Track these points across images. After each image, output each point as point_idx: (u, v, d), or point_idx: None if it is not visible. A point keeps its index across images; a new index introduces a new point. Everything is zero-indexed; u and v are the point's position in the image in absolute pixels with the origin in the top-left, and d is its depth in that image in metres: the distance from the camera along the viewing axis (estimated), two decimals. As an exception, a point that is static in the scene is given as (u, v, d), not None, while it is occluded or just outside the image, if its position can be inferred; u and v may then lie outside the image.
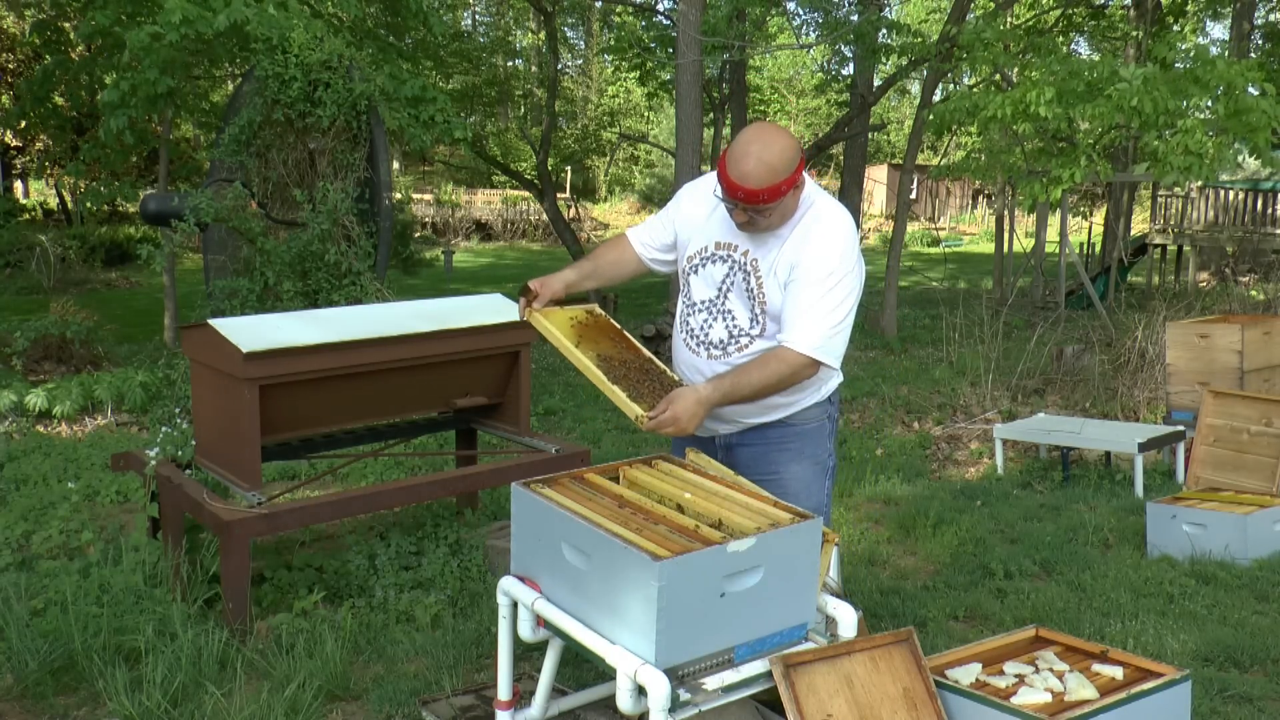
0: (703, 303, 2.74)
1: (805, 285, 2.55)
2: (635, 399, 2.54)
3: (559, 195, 20.61)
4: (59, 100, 12.44)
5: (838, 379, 2.79)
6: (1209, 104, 8.43)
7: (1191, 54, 9.06)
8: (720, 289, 2.70)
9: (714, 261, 2.71)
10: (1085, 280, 13.89)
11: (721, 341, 2.70)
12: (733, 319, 2.68)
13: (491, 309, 4.24)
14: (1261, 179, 16.94)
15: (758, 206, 2.51)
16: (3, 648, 3.25)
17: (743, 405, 2.62)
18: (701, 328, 2.73)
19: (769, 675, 2.16)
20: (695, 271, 2.76)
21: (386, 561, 4.03)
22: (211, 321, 3.65)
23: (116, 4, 8.42)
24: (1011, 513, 5.37)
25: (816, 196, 2.65)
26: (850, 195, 14.72)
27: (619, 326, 2.88)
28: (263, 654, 3.28)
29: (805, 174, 2.59)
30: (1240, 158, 9.87)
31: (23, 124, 13.52)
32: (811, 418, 2.76)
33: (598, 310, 2.88)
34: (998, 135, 12.18)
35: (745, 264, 2.65)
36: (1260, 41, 17.14)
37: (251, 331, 3.63)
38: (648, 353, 2.79)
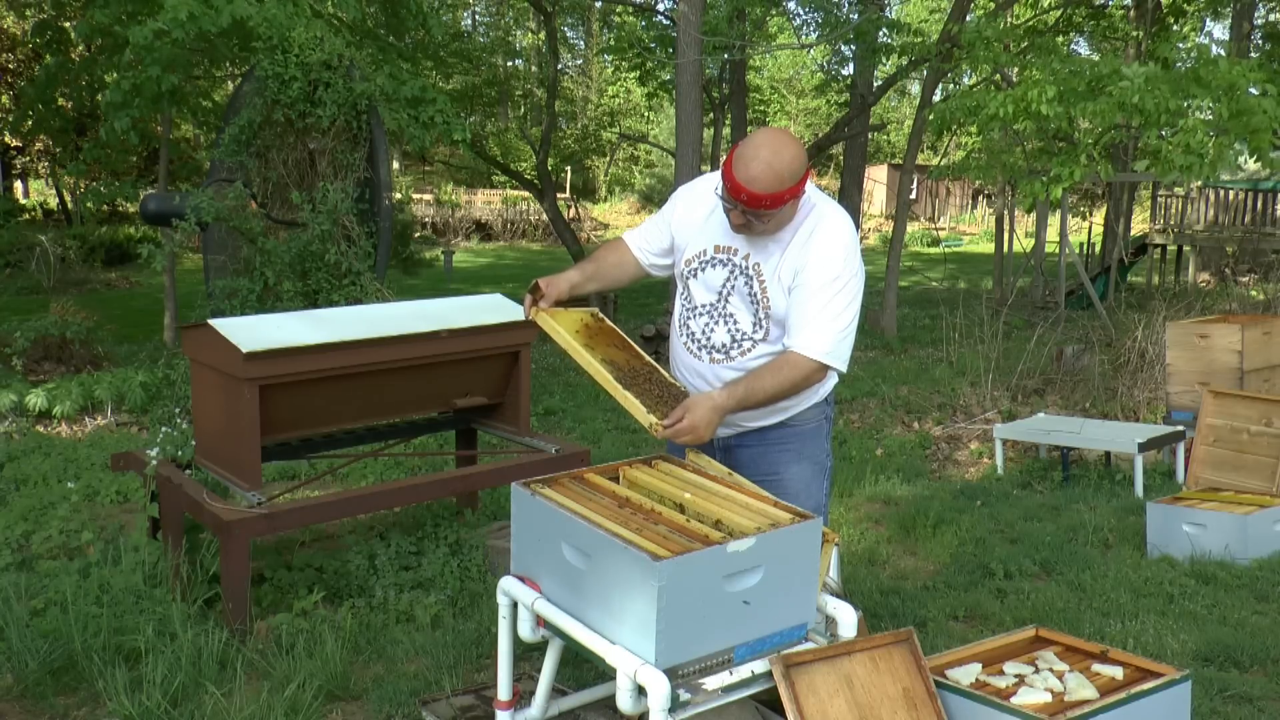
0: (703, 306, 2.73)
1: (811, 290, 2.55)
2: (649, 407, 2.55)
3: (559, 195, 20.60)
4: (61, 101, 12.43)
5: (834, 379, 2.79)
6: (1211, 104, 8.40)
7: (1194, 54, 9.04)
8: (720, 293, 2.69)
9: (713, 265, 2.70)
10: (1085, 280, 13.89)
11: (724, 345, 2.69)
12: (735, 323, 2.68)
13: (491, 309, 4.24)
14: (1262, 179, 16.92)
15: (757, 211, 2.50)
16: (3, 648, 3.25)
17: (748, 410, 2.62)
18: (703, 331, 2.73)
19: (769, 675, 2.16)
20: (694, 275, 2.75)
21: (386, 561, 4.03)
22: (211, 321, 3.65)
23: (117, 2, 8.41)
24: (1011, 513, 5.37)
25: (817, 200, 2.65)
26: (850, 195, 14.72)
27: (622, 333, 2.88)
28: (263, 654, 3.28)
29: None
30: (1241, 159, 9.84)
31: (27, 125, 13.52)
32: (810, 419, 2.76)
33: (600, 314, 2.88)
34: (998, 135, 12.17)
35: (747, 268, 2.64)
36: (1260, 41, 17.11)
37: (251, 331, 3.63)
38: (651, 360, 2.80)
